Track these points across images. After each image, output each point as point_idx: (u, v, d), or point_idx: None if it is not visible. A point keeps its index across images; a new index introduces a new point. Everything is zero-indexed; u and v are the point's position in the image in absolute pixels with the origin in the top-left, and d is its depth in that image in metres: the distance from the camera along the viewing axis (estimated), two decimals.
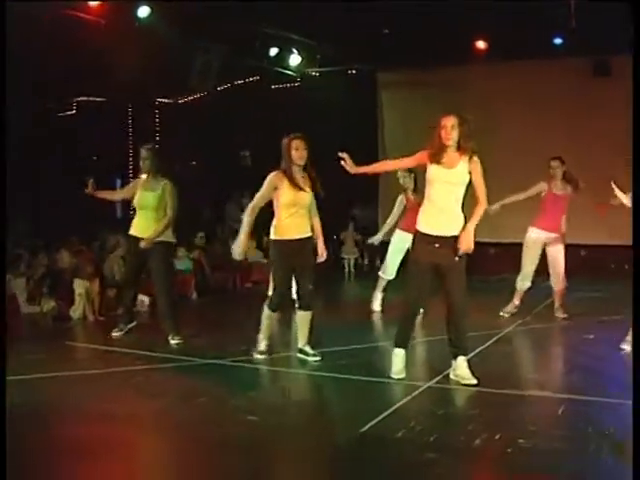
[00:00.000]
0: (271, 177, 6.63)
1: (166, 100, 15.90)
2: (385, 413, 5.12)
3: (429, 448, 4.48)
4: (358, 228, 15.09)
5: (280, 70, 14.02)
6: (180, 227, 11.82)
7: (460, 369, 5.89)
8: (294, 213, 6.64)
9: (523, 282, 8.86)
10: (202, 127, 15.17)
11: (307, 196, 6.69)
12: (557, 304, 8.94)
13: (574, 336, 7.97)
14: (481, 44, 12.28)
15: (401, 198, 9.29)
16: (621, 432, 4.85)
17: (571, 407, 5.35)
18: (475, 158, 5.78)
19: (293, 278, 6.82)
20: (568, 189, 8.75)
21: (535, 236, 8.77)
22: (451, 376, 5.96)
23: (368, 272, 14.62)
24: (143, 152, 7.97)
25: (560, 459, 4.37)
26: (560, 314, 8.83)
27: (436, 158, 5.75)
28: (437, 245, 5.75)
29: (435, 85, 13.38)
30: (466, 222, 5.77)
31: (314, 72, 14.64)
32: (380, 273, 9.65)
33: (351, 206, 15.38)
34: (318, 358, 6.75)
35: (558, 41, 12.14)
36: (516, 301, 8.98)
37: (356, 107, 14.29)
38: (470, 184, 5.80)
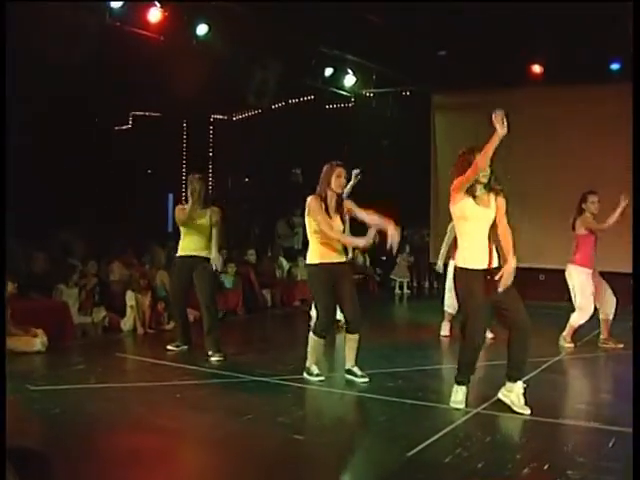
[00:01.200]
0: (313, 201, 6.66)
1: (221, 116, 16.08)
2: (433, 438, 5.08)
3: (476, 475, 4.44)
4: (412, 250, 15.07)
5: (335, 90, 14.10)
6: (230, 244, 12.01)
7: (515, 395, 5.82)
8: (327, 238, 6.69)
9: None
10: (256, 144, 15.31)
11: (337, 223, 6.71)
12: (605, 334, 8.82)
13: (626, 366, 7.82)
14: (537, 68, 12.22)
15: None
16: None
17: (622, 440, 5.23)
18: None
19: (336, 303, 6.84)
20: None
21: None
22: (500, 396, 5.90)
23: (418, 295, 14.64)
24: (194, 182, 8.04)
25: None
26: (611, 344, 8.70)
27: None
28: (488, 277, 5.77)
29: (489, 108, 13.23)
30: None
31: (368, 93, 14.70)
32: (446, 308, 9.52)
33: (404, 228, 15.32)
34: (366, 379, 6.73)
35: (615, 67, 12.01)
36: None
37: (409, 128, 14.33)
38: None
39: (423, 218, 14.72)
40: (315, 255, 6.74)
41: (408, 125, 14.38)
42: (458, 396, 5.93)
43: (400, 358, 7.92)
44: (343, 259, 6.82)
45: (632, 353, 4.50)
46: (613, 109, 12.58)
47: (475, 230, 5.81)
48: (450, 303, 9.25)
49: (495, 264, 5.77)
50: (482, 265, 5.76)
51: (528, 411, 5.70)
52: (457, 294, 5.99)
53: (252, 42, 11.24)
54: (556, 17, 10.18)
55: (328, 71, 13.27)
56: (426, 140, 14.55)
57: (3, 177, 5.97)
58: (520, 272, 5.85)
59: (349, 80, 13.77)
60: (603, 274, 8.86)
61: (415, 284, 15.13)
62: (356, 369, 6.81)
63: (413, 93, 14.56)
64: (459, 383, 5.96)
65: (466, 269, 5.81)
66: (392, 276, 14.94)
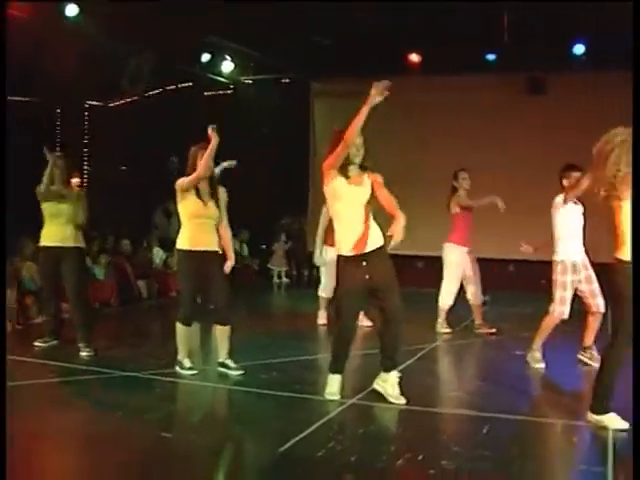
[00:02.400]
0: (183, 182, 6.47)
1: (96, 103, 15.53)
2: (307, 431, 4.94)
3: (349, 469, 4.34)
4: (289, 238, 14.98)
5: (213, 77, 13.82)
6: (104, 233, 11.60)
7: (390, 385, 5.77)
8: (200, 224, 6.49)
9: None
10: (132, 131, 14.84)
11: (212, 209, 6.55)
12: (478, 319, 8.94)
13: (501, 352, 7.93)
14: (415, 57, 12.27)
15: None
16: (545, 453, 4.81)
17: (497, 426, 5.25)
18: None
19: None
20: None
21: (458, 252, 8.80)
22: (375, 386, 5.83)
23: (297, 284, 14.56)
24: (52, 159, 7.69)
25: None
26: (485, 329, 8.82)
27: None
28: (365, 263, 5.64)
29: (366, 95, 13.29)
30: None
31: (247, 80, 14.48)
32: (320, 293, 9.46)
33: (281, 216, 15.23)
34: (240, 372, 6.55)
35: (491, 57, 12.20)
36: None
37: (289, 116, 14.19)
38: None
39: (302, 206, 14.63)
40: (185, 241, 6.53)
41: (288, 113, 14.23)
42: (333, 387, 5.83)
43: (276, 349, 7.76)
44: (214, 247, 6.61)
45: (632, 353, 4.46)
46: (490, 100, 12.82)
47: (349, 211, 5.68)
48: (324, 287, 9.23)
49: (370, 248, 5.64)
50: (356, 251, 5.63)
51: (403, 401, 5.64)
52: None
53: (126, 26, 10.83)
54: (434, 7, 10.23)
55: (205, 57, 12.96)
56: (306, 128, 14.46)
57: (3, 177, 5.62)
58: (397, 259, 5.79)
59: (227, 66, 13.49)
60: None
61: (294, 272, 15.02)
62: (229, 362, 6.62)
63: (292, 81, 14.42)
64: (333, 372, 5.87)
65: (340, 255, 5.71)
66: (270, 265, 14.81)
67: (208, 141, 6.40)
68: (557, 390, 6.52)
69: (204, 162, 6.28)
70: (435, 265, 9.14)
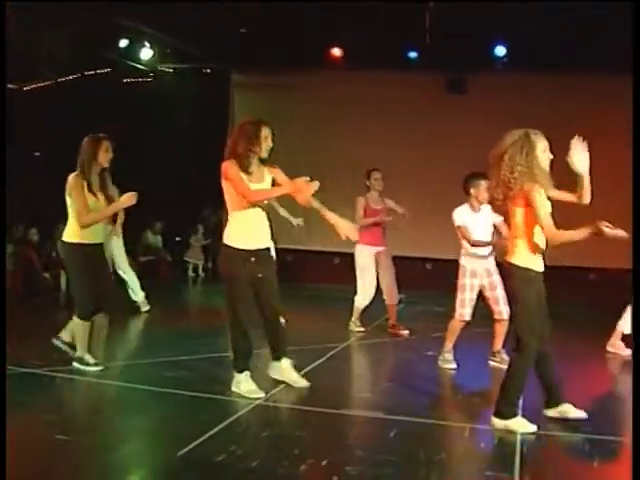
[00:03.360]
0: (73, 180, 6.28)
1: (11, 86, 15.01)
2: (208, 434, 4.76)
3: (250, 475, 4.17)
4: (207, 231, 14.71)
5: (132, 64, 13.44)
6: (12, 222, 11.19)
7: (289, 372, 5.82)
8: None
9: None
10: (49, 116, 14.38)
11: (102, 202, 6.36)
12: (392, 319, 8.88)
13: (413, 353, 7.88)
14: (337, 51, 12.16)
15: None
16: (453, 458, 4.74)
17: (404, 429, 5.16)
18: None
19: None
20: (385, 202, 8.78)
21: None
22: (275, 376, 5.90)
23: (214, 278, 14.30)
24: None
25: None
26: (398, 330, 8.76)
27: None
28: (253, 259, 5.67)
29: (288, 88, 13.19)
30: None
31: (167, 68, 14.15)
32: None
33: (200, 208, 14.95)
34: (98, 368, 6.36)
35: (413, 55, 12.17)
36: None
37: (209, 107, 13.91)
38: None
39: (222, 199, 14.36)
40: (74, 234, 6.31)
41: (208, 103, 13.97)
42: (246, 385, 5.69)
43: (186, 345, 7.56)
44: (100, 240, 6.47)
45: (632, 354, 4.38)
46: (411, 98, 12.82)
47: (247, 206, 5.64)
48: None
49: (265, 245, 5.70)
50: (248, 245, 5.65)
51: (305, 383, 5.76)
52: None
53: (43, 8, 10.43)
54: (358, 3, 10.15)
55: (123, 43, 12.58)
56: (226, 118, 14.21)
57: (3, 176, 5.56)
58: (316, 256, 5.71)
59: (146, 53, 13.12)
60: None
61: (210, 266, 14.74)
62: (88, 357, 6.40)
63: (213, 71, 14.15)
64: (239, 371, 5.73)
65: (231, 247, 5.69)
66: (186, 258, 14.52)
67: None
68: (466, 393, 6.47)
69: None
70: (349, 261, 9.04)
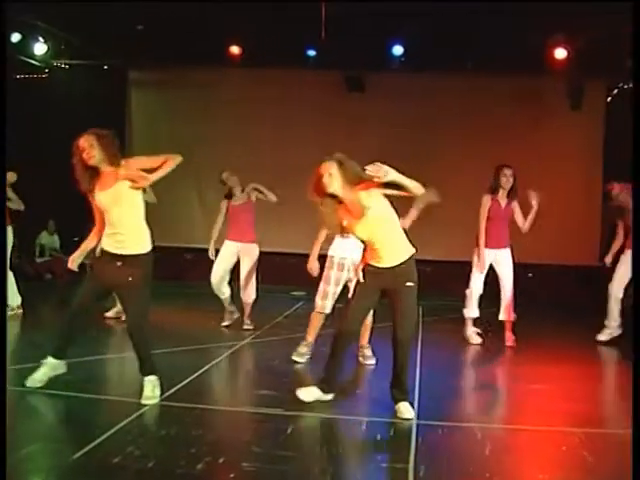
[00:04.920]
0: None
1: None
2: (103, 436, 4.67)
3: (146, 475, 4.12)
4: None
5: (25, 59, 13.07)
6: None
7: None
8: None
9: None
10: None
11: None
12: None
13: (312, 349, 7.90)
14: (235, 49, 12.10)
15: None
16: (349, 451, 4.80)
17: (301, 425, 5.23)
18: None
19: None
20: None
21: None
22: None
23: None
24: None
25: None
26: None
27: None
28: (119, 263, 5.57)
29: (186, 86, 13.10)
30: None
31: (63, 64, 13.81)
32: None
33: None
34: None
35: (312, 53, 12.22)
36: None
37: (105, 104, 13.65)
38: None
39: None
40: None
41: (104, 100, 13.68)
42: (153, 390, 5.61)
43: (85, 346, 7.37)
44: None
45: (633, 354, 4.41)
46: (310, 96, 12.88)
47: (108, 214, 5.57)
48: None
49: (131, 252, 5.54)
50: (111, 249, 5.58)
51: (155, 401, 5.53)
52: None
53: None
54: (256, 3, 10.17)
55: (15, 37, 12.21)
56: (122, 117, 14.00)
57: (3, 176, 5.03)
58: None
59: (40, 48, 12.78)
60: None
61: None
62: None
63: (109, 67, 13.89)
64: (148, 374, 5.65)
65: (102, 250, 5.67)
66: (85, 260, 14.16)
67: None
68: (361, 386, 6.57)
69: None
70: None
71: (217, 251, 8.75)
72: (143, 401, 5.47)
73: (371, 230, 5.36)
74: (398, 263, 5.39)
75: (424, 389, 6.24)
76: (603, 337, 8.55)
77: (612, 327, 8.54)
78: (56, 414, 5.34)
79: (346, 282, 7.04)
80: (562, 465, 4.69)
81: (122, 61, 13.43)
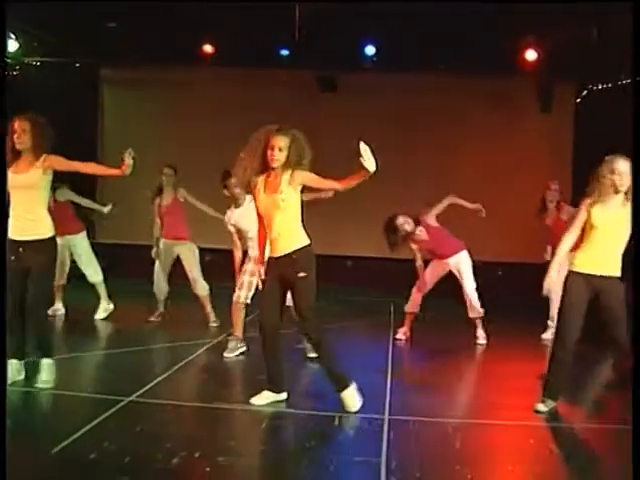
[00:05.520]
0: None
1: None
2: (79, 432, 4.72)
3: (123, 470, 4.17)
4: None
5: None
6: None
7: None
8: None
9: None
10: None
11: None
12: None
13: (284, 345, 7.92)
14: (208, 48, 12.11)
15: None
16: (322, 445, 4.89)
17: (275, 421, 5.30)
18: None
19: None
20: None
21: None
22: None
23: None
24: None
25: (256, 475, 4.30)
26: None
27: None
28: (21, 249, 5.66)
29: (158, 85, 13.09)
30: None
31: (34, 62, 13.74)
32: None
33: None
34: None
35: (284, 52, 12.26)
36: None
37: (77, 102, 13.60)
38: None
39: (91, 197, 14.08)
40: None
41: (76, 99, 13.64)
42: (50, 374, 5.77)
43: (57, 344, 7.40)
44: None
45: (632, 353, 4.48)
46: (283, 95, 12.91)
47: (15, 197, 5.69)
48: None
49: (29, 237, 5.63)
50: (15, 237, 5.66)
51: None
52: None
53: None
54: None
55: None
56: (95, 115, 13.95)
57: (4, 179, 5.46)
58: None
59: (11, 45, 12.69)
60: None
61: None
62: None
63: (82, 65, 13.83)
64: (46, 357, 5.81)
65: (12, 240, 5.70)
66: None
67: None
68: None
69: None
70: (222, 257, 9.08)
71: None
72: (39, 385, 5.63)
73: (272, 209, 5.48)
74: (290, 251, 5.49)
75: (395, 385, 6.36)
76: (548, 336, 8.52)
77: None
78: (31, 411, 5.36)
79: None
80: (530, 458, 4.83)
81: (94, 59, 13.39)
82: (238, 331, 7.30)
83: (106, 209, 9.34)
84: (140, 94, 13.40)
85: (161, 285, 9.00)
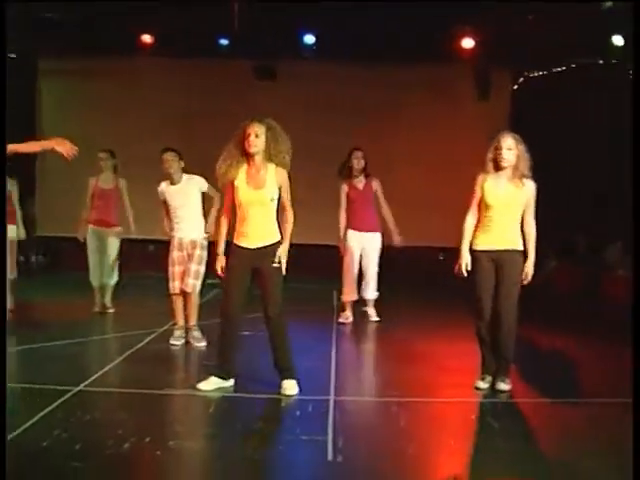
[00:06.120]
0: None
1: None
2: (30, 421, 4.76)
3: (75, 457, 4.22)
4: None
5: None
6: None
7: None
8: None
9: None
10: None
11: None
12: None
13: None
14: (147, 38, 12.07)
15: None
16: (270, 426, 5.02)
17: (223, 404, 5.41)
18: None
19: None
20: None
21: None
22: None
23: (25, 270, 13.88)
24: None
25: (207, 457, 4.40)
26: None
27: None
28: None
29: (96, 75, 12.97)
30: None
31: None
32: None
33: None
34: None
35: (224, 42, 12.28)
36: None
37: (14, 93, 13.36)
38: None
39: (30, 190, 13.92)
40: None
41: (14, 89, 13.36)
42: None
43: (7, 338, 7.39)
44: None
45: (632, 352, 4.57)
46: (224, 84, 12.92)
47: None
48: None
49: None
50: None
51: None
52: None
53: None
54: None
55: None
56: (33, 106, 13.77)
57: (3, 175, 5.50)
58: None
59: None
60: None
61: (22, 258, 14.22)
62: None
63: (19, 56, 13.63)
64: None
65: None
66: None
67: None
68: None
69: None
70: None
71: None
72: None
73: (253, 203, 5.60)
74: (264, 245, 5.62)
75: (340, 368, 6.51)
76: None
77: None
78: None
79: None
80: (472, 433, 5.02)
81: (31, 50, 13.24)
82: (180, 320, 7.36)
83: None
84: (78, 84, 13.29)
85: (97, 274, 8.99)
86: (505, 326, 5.71)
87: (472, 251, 5.87)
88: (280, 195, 5.67)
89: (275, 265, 5.60)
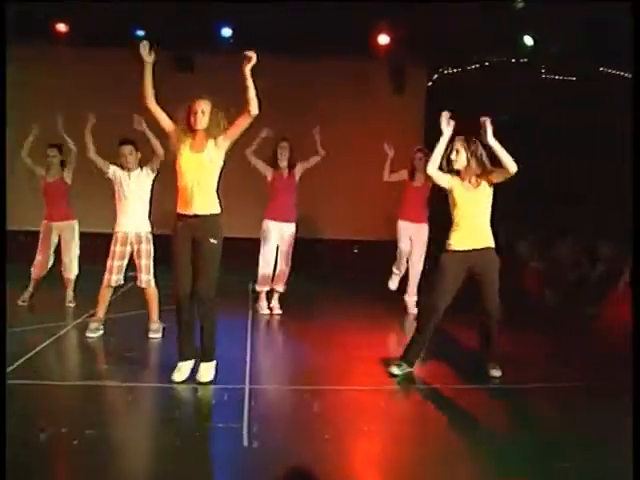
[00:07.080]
0: None
1: None
2: None
3: None
4: None
5: None
6: None
7: None
8: None
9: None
10: None
11: None
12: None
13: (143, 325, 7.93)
14: (61, 26, 11.87)
15: None
16: (186, 415, 5.11)
17: (140, 395, 5.48)
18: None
19: None
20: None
21: None
22: None
23: None
24: None
25: (125, 446, 4.48)
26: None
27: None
28: None
29: (10, 62, 12.67)
30: None
31: None
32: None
33: None
34: None
35: (140, 33, 12.16)
36: None
37: None
38: None
39: None
40: None
41: None
42: None
43: None
44: None
45: (632, 351, 4.62)
46: (132, 74, 12.76)
47: None
48: None
49: None
50: None
51: None
52: None
53: None
54: None
55: None
56: None
57: (3, 174, 5.61)
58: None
59: None
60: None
61: None
62: None
63: None
64: None
65: None
66: None
67: None
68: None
69: None
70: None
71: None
72: None
73: (194, 167, 5.75)
74: (202, 213, 5.70)
75: (255, 357, 6.64)
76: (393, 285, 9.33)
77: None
78: None
79: (132, 256, 7.40)
80: (385, 418, 5.25)
81: None
82: (101, 312, 7.35)
83: None
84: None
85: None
86: (494, 320, 6.06)
87: (445, 251, 6.09)
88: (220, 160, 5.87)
89: (212, 241, 5.63)
